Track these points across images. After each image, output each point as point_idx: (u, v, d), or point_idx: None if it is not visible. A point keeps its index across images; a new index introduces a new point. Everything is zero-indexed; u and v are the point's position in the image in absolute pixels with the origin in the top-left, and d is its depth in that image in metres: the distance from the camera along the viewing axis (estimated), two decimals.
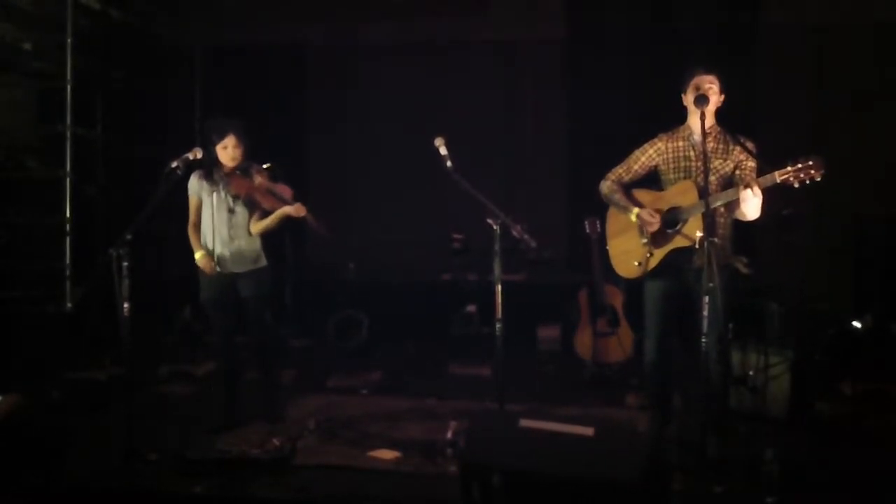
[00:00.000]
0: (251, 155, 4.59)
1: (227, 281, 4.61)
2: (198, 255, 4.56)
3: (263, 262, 4.71)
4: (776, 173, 3.68)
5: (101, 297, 6.03)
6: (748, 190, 3.72)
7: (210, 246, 4.57)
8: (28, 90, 6.75)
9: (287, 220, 4.57)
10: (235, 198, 4.55)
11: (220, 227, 4.56)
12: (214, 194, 4.56)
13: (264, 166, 4.62)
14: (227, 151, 4.49)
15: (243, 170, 4.54)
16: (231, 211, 4.56)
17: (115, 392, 5.33)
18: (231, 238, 4.56)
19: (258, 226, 4.62)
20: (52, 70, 6.48)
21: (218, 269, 4.57)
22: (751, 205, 3.79)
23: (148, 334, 6.14)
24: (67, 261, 6.39)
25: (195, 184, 4.57)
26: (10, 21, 6.31)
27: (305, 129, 8.36)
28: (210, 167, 4.54)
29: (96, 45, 6.92)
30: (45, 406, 5.02)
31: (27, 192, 6.51)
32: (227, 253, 4.58)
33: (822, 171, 3.58)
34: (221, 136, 4.48)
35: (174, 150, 4.38)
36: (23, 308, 6.10)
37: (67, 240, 6.40)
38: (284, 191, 4.59)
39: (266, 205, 4.56)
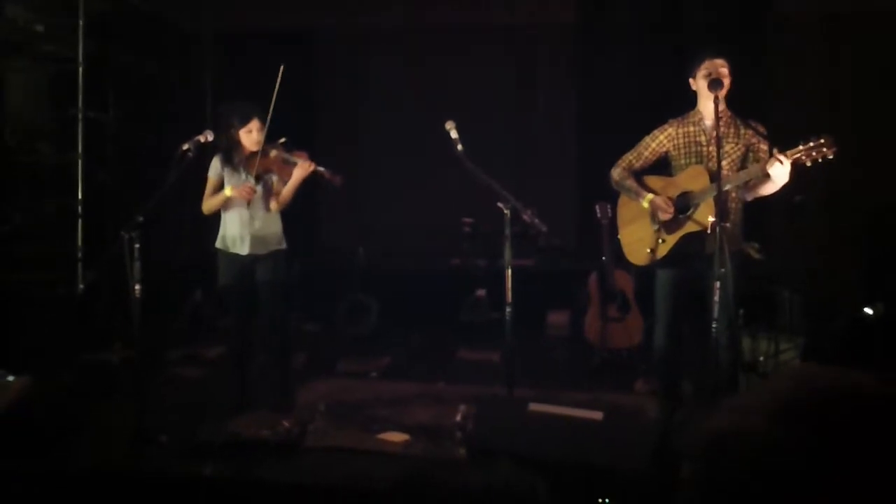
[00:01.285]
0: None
1: (246, 264, 4.60)
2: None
3: (283, 244, 4.69)
4: (788, 153, 3.66)
5: (112, 280, 6.06)
6: (776, 163, 3.64)
7: (230, 229, 4.57)
8: (40, 73, 6.74)
9: (305, 185, 4.54)
10: (256, 178, 4.53)
11: (240, 209, 4.54)
12: (234, 177, 4.55)
13: (280, 141, 4.60)
14: (252, 135, 4.48)
15: (262, 150, 4.52)
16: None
17: (125, 375, 5.36)
18: (251, 218, 4.54)
19: (279, 198, 4.61)
20: (64, 53, 6.47)
21: (243, 250, 4.56)
22: (780, 174, 3.68)
23: (159, 317, 6.17)
24: (79, 244, 6.40)
25: (217, 165, 4.55)
26: (23, 3, 6.30)
27: (316, 113, 8.35)
28: (229, 150, 4.53)
29: (108, 28, 6.91)
30: (56, 389, 5.05)
31: (39, 176, 6.52)
32: (247, 234, 4.56)
33: (835, 149, 3.56)
34: (246, 121, 4.46)
35: (185, 134, 4.36)
36: (34, 291, 6.11)
37: (79, 223, 6.40)
38: (300, 156, 4.56)
39: (287, 177, 4.55)
